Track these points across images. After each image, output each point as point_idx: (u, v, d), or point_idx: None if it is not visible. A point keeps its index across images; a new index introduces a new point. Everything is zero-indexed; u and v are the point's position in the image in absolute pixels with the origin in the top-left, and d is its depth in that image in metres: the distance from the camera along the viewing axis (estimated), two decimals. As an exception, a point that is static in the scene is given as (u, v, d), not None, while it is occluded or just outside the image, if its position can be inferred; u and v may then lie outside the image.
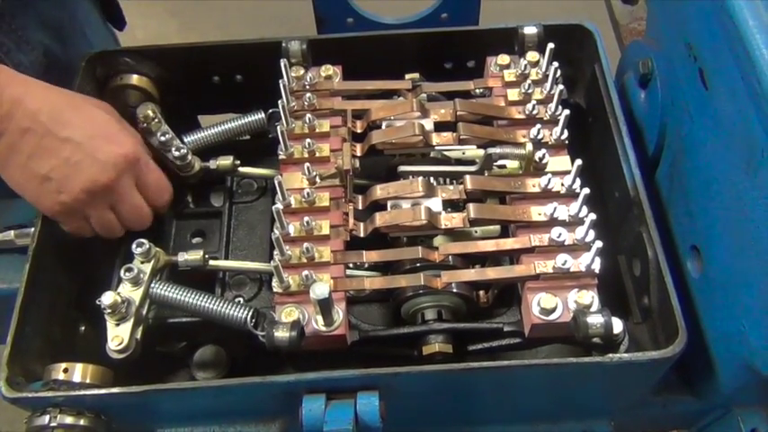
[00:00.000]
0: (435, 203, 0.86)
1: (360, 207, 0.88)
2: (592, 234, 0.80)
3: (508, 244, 0.83)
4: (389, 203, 0.87)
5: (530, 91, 0.92)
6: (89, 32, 1.14)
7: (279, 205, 0.82)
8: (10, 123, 0.80)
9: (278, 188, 0.83)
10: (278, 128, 0.88)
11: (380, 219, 0.84)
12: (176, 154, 0.94)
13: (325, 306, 0.76)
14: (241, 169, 0.98)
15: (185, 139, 0.97)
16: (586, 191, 0.81)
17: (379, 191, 0.86)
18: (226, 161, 0.96)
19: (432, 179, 0.89)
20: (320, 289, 0.74)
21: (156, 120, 0.96)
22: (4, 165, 0.83)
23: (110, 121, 0.88)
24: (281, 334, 0.75)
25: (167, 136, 0.95)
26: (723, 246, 0.81)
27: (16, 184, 0.84)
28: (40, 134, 0.81)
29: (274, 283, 0.80)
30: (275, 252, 0.81)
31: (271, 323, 0.77)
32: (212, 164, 0.97)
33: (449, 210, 0.87)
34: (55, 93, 0.85)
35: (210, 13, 2.77)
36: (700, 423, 0.97)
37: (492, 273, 0.82)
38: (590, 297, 0.78)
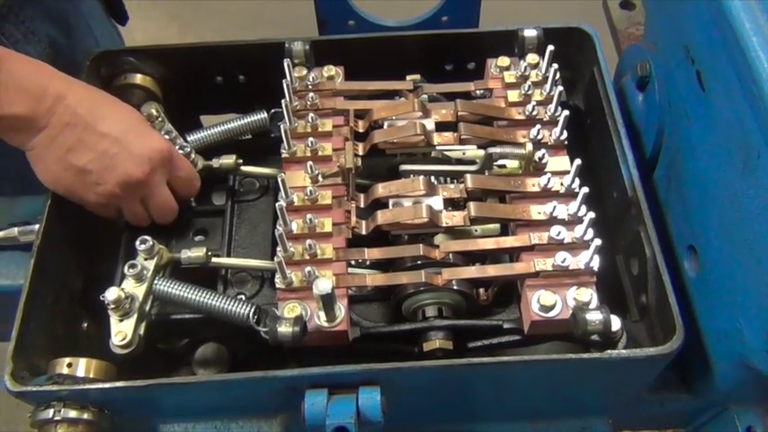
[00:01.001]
0: (436, 202, 0.87)
1: (362, 205, 0.89)
2: (591, 232, 0.81)
3: (508, 242, 0.84)
4: (391, 202, 0.88)
5: (529, 92, 0.94)
6: (93, 26, 1.16)
7: (282, 203, 0.83)
8: (52, 117, 0.82)
9: (281, 186, 0.84)
10: (281, 127, 0.89)
11: (382, 216, 0.85)
12: (180, 152, 0.95)
13: (327, 301, 0.77)
14: (243, 168, 0.98)
15: (188, 138, 0.98)
16: (586, 189, 0.82)
17: (381, 189, 0.87)
18: (228, 160, 0.97)
19: (433, 178, 0.90)
20: (323, 284, 0.75)
21: (160, 119, 0.97)
22: (42, 156, 0.85)
23: (141, 119, 0.91)
24: (285, 329, 0.76)
25: (171, 135, 0.96)
26: (720, 245, 0.82)
27: (52, 175, 0.86)
28: (80, 128, 0.84)
29: (277, 279, 0.81)
30: (278, 248, 0.82)
31: (274, 318, 0.78)
32: (215, 162, 0.98)
33: (449, 208, 0.88)
34: (92, 90, 0.89)
35: (210, 17, 2.78)
36: (696, 421, 0.98)
37: (492, 270, 0.83)
38: (589, 294, 0.80)
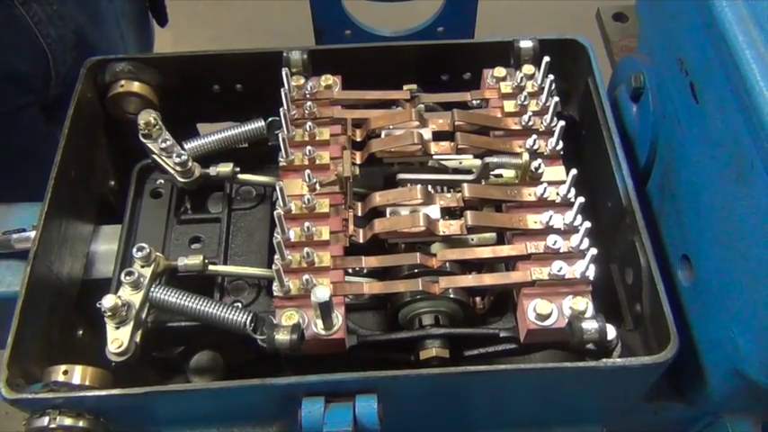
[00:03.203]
0: (433, 211, 0.87)
1: (359, 214, 0.89)
2: (586, 242, 0.82)
3: (505, 251, 0.84)
4: (388, 210, 0.88)
5: (525, 103, 0.94)
6: (122, 23, 1.17)
7: (280, 211, 0.83)
8: None
9: (279, 194, 0.84)
10: (279, 135, 0.90)
11: (379, 225, 0.85)
12: (177, 160, 0.95)
13: (325, 309, 0.77)
14: (240, 176, 0.99)
15: (185, 146, 0.98)
16: (582, 199, 0.83)
17: (379, 198, 0.87)
18: (226, 168, 0.97)
19: (430, 187, 0.90)
20: (321, 292, 0.75)
21: (158, 126, 0.97)
22: None
23: None
24: (282, 337, 0.76)
25: (168, 142, 0.96)
26: (713, 255, 0.83)
27: None
28: None
29: (275, 286, 0.81)
30: (276, 256, 0.82)
31: (271, 326, 0.78)
32: (212, 170, 0.98)
33: (446, 217, 0.88)
34: None
35: (204, 27, 2.79)
36: (690, 430, 0.99)
37: (489, 279, 0.84)
38: (584, 303, 0.80)
